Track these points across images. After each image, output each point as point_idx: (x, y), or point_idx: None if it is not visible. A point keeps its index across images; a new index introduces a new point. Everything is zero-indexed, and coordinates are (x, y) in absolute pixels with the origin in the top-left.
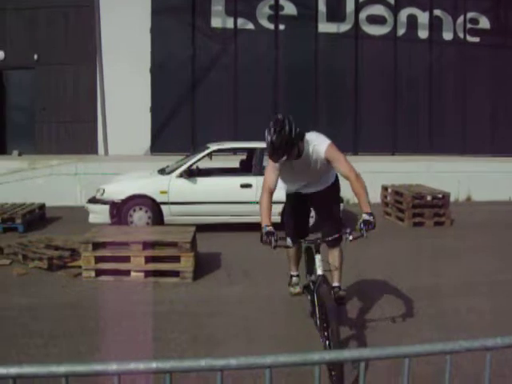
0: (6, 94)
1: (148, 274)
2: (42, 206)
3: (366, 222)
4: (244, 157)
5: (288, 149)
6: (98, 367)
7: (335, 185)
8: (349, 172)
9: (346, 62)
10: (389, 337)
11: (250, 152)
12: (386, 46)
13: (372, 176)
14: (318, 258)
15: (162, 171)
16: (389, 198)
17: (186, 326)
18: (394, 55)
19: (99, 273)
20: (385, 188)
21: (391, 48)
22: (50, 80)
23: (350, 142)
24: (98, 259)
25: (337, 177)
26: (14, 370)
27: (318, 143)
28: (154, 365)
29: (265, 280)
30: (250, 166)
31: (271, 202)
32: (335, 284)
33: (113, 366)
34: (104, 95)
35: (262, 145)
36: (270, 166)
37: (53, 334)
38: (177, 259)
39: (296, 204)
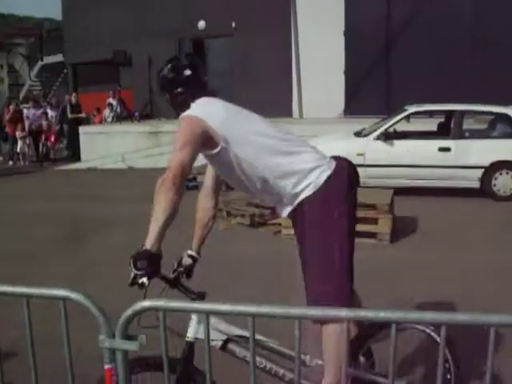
0: (206, 61)
1: None
2: None
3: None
4: (442, 119)
5: (170, 101)
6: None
7: (318, 201)
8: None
9: None
10: None
11: (449, 114)
12: None
13: None
14: None
15: (358, 134)
16: None
17: (385, 287)
18: None
19: None
20: None
21: None
22: (247, 46)
23: None
24: None
25: (327, 182)
26: (252, 308)
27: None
28: (381, 314)
29: (465, 245)
30: (448, 129)
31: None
32: None
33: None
34: (299, 59)
35: (463, 107)
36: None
37: (254, 280)
38: (374, 221)
39: None
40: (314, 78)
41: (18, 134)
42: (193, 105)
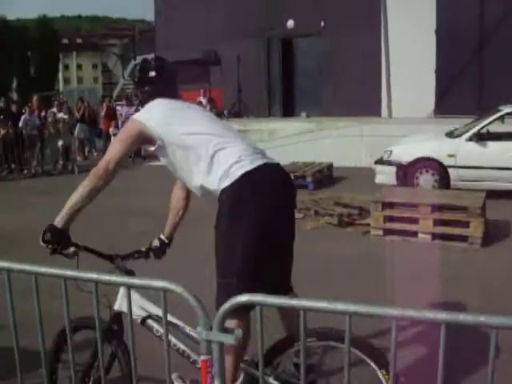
0: (294, 60)
1: (435, 236)
2: (329, 166)
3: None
4: None
5: (138, 98)
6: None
7: (230, 195)
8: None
9: None
10: None
11: None
12: None
13: None
14: None
15: (449, 134)
16: None
17: (473, 291)
18: None
19: (386, 232)
20: None
21: None
22: (336, 45)
23: None
24: (387, 218)
25: (242, 178)
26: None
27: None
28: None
29: None
30: None
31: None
32: None
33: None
34: (388, 58)
35: None
36: None
37: (343, 279)
38: (465, 224)
39: None
40: (403, 77)
41: (112, 130)
42: (145, 106)
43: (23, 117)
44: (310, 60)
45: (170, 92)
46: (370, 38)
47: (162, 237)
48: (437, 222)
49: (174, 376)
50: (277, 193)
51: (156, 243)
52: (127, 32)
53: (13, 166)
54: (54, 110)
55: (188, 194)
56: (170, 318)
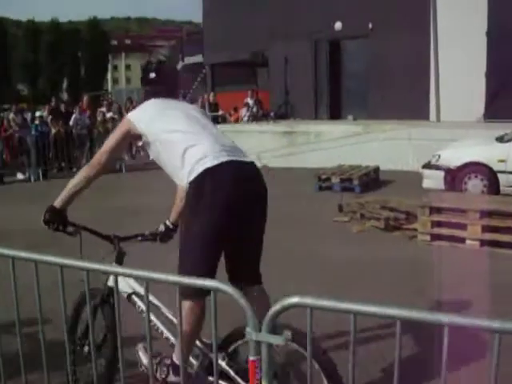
0: (342, 62)
1: (484, 243)
2: (376, 169)
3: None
4: None
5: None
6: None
7: (188, 195)
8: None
9: None
10: None
11: None
12: None
13: None
14: None
15: (500, 139)
16: None
17: None
18: None
19: (434, 237)
20: None
21: None
22: (384, 47)
23: None
24: (434, 224)
25: (203, 174)
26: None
27: None
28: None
29: None
30: None
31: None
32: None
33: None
34: (438, 60)
35: None
36: None
37: (390, 284)
38: None
39: None
40: (453, 80)
41: None
42: (140, 105)
43: (73, 116)
44: (358, 62)
45: (168, 93)
46: (419, 40)
47: (168, 222)
48: (485, 229)
49: (139, 346)
50: (237, 188)
51: (161, 228)
52: (175, 34)
53: (63, 164)
54: (103, 109)
55: None
56: (152, 298)
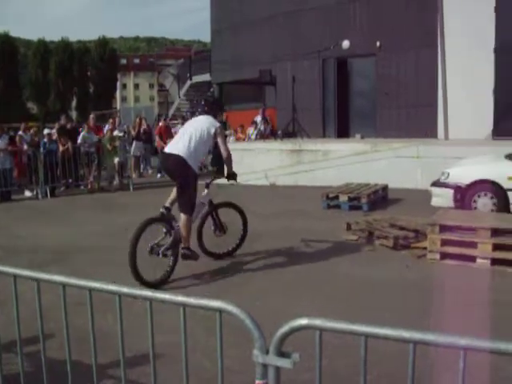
0: (349, 80)
1: (494, 262)
2: (385, 187)
3: None
4: None
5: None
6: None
7: None
8: None
9: None
10: None
11: None
12: None
13: None
14: None
15: (509, 156)
16: None
17: None
18: None
19: (444, 256)
20: None
21: None
22: (391, 66)
23: None
24: (444, 242)
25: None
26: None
27: None
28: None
29: None
30: None
31: None
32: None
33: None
34: (445, 79)
35: None
36: None
37: (401, 304)
38: None
39: None
40: (460, 98)
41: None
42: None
43: (81, 134)
44: (365, 80)
45: (205, 112)
46: (427, 58)
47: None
48: (496, 247)
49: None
50: (164, 161)
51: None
52: (183, 52)
53: (70, 181)
54: (110, 127)
55: None
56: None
